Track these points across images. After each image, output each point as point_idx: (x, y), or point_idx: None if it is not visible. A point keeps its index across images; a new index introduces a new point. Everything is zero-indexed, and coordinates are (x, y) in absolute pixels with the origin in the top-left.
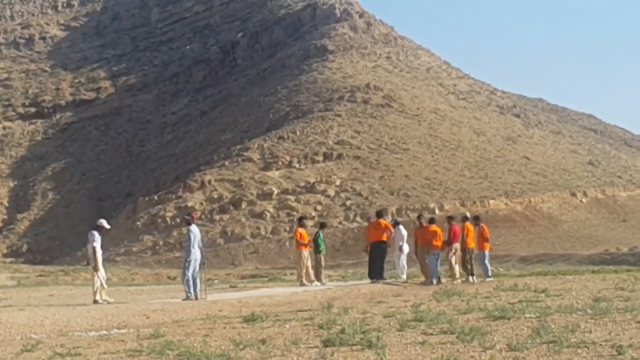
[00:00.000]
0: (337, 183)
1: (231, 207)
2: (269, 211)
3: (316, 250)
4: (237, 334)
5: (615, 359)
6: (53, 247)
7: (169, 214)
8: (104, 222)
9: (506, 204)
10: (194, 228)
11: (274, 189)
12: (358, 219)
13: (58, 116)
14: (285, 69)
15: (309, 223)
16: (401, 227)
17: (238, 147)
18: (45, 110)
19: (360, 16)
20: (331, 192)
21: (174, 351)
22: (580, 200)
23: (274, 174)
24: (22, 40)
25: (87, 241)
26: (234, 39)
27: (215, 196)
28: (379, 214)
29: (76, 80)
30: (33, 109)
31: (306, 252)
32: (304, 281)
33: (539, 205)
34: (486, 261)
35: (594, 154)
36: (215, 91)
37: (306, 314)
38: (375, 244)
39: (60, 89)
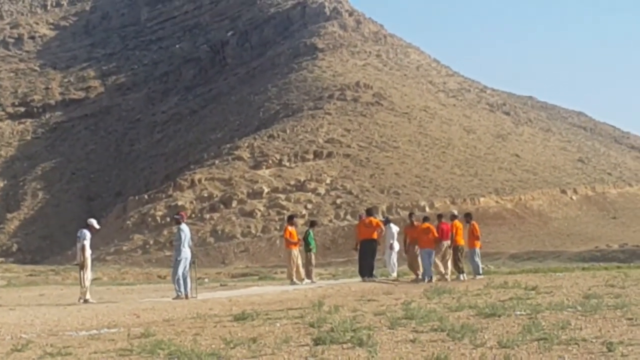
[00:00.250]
0: (328, 181)
1: (221, 206)
2: (259, 210)
3: (307, 248)
4: (227, 333)
5: (605, 356)
6: (43, 246)
7: (159, 213)
8: (94, 222)
9: (496, 202)
10: (184, 227)
11: (264, 187)
12: (348, 217)
13: (48, 115)
14: (275, 68)
15: (300, 221)
16: (392, 225)
17: (228, 145)
18: (35, 109)
19: (350, 14)
20: (321, 191)
21: (165, 350)
22: (571, 198)
23: (264, 172)
24: (12, 40)
25: (77, 239)
26: (223, 37)
27: (206, 195)
28: (369, 212)
29: (66, 80)
30: (22, 109)
31: (296, 251)
32: (295, 279)
33: (529, 203)
34: (476, 258)
35: (583, 151)
36: (205, 90)
37: (297, 313)
38: (366, 241)
39: (49, 89)
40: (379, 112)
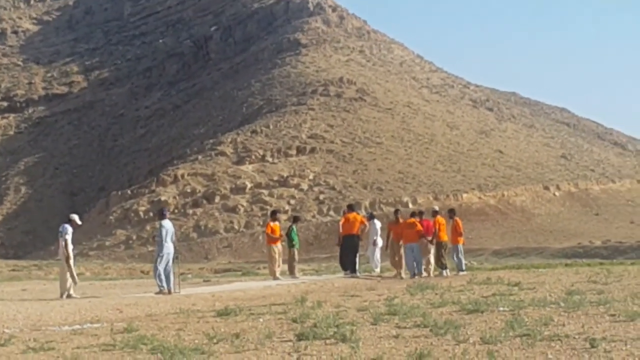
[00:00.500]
0: (311, 177)
1: (204, 201)
2: (242, 205)
3: (290, 244)
4: (210, 328)
5: (588, 352)
6: (26, 241)
7: (142, 208)
8: (76, 218)
9: (479, 198)
10: (165, 222)
11: (247, 183)
12: (331, 212)
13: (31, 110)
14: (259, 63)
15: (282, 217)
16: (376, 220)
17: (211, 141)
18: (18, 104)
19: (333, 10)
20: (304, 186)
21: (148, 345)
22: (554, 194)
23: (247, 168)
24: None
25: (59, 234)
26: (207, 33)
27: (189, 190)
28: (351, 208)
29: (49, 75)
30: (5, 103)
31: (276, 247)
32: (278, 275)
33: (512, 199)
34: (460, 255)
35: (566, 147)
36: (189, 85)
37: (280, 308)
38: (348, 237)
39: (32, 83)
40: (362, 108)
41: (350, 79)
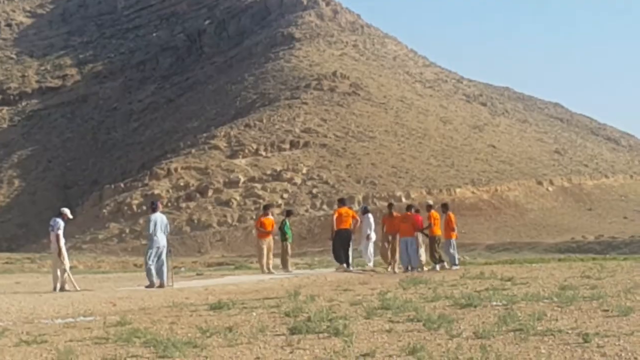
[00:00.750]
0: (304, 171)
1: (198, 195)
2: (235, 199)
3: (283, 238)
4: (203, 322)
5: (581, 347)
6: (19, 234)
7: (135, 202)
8: (67, 211)
9: (473, 192)
10: (155, 216)
11: (240, 176)
12: (325, 207)
13: (24, 103)
14: (252, 57)
15: (276, 211)
16: (370, 215)
17: (205, 134)
18: (11, 97)
19: (327, 4)
20: (298, 180)
21: (141, 339)
22: (547, 189)
23: (241, 161)
24: None
25: (51, 228)
26: (200, 26)
27: (182, 184)
28: (342, 202)
29: (42, 68)
30: None
31: (264, 241)
32: (265, 269)
33: (506, 194)
34: (452, 249)
35: (560, 142)
36: (182, 79)
37: (273, 302)
38: (343, 231)
39: (26, 76)
40: (356, 102)
41: (343, 74)
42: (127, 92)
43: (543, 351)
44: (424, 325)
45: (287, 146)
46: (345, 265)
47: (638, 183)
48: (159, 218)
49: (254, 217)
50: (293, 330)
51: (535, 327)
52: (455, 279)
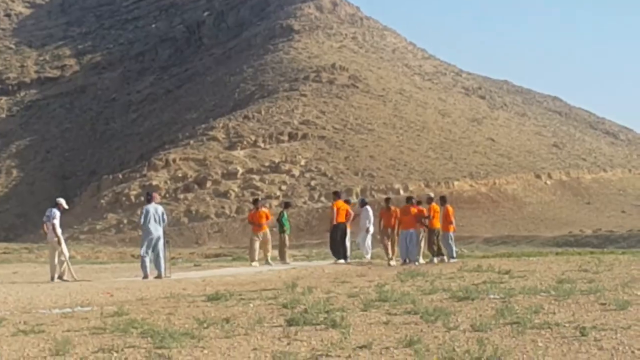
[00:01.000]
0: (302, 163)
1: (196, 186)
2: (233, 190)
3: (280, 229)
4: (201, 313)
5: (578, 340)
6: (17, 224)
7: (134, 193)
8: (62, 202)
9: (471, 185)
10: (148, 206)
11: (238, 168)
12: (323, 199)
13: (23, 94)
14: (251, 49)
15: (274, 203)
16: (368, 207)
17: (203, 126)
18: (10, 87)
19: None
20: (296, 172)
21: (138, 329)
22: (545, 182)
23: (239, 153)
24: None
25: (48, 218)
26: (199, 17)
27: (180, 175)
28: (337, 195)
29: (41, 58)
30: None
31: (256, 235)
32: (253, 260)
33: (504, 187)
34: (450, 242)
35: (558, 136)
36: (181, 70)
37: (270, 294)
38: (341, 224)
39: (25, 67)
40: (355, 95)
41: (342, 66)
42: (125, 83)
43: (540, 344)
44: (421, 317)
45: (286, 138)
46: (343, 259)
47: (636, 177)
48: (153, 209)
49: (252, 209)
50: (290, 322)
51: (532, 320)
52: (453, 272)
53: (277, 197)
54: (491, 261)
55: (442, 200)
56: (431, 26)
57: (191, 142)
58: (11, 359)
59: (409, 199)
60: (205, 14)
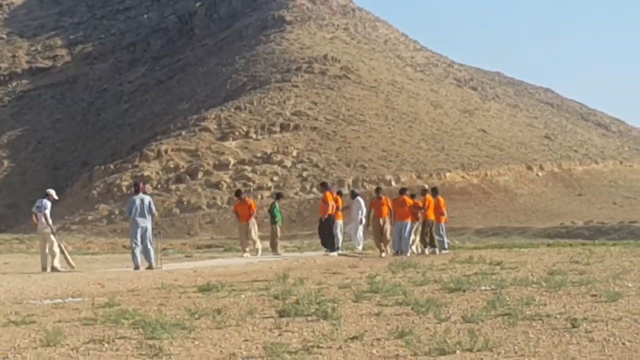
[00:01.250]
0: (294, 154)
1: (187, 177)
2: (225, 181)
3: (272, 220)
4: (192, 304)
5: (569, 332)
6: (8, 215)
7: (125, 183)
8: (53, 192)
9: (462, 177)
10: (134, 197)
11: (230, 159)
12: (314, 190)
13: (14, 84)
14: (243, 39)
15: (265, 194)
16: (360, 198)
17: (195, 116)
18: (1, 77)
19: None
20: (288, 163)
21: (129, 320)
22: (537, 174)
23: (231, 144)
24: None
25: (38, 209)
26: (191, 8)
27: (172, 166)
28: (326, 186)
29: (33, 48)
30: None
31: (242, 225)
32: (244, 250)
33: (495, 178)
34: (442, 233)
35: (550, 127)
36: (173, 60)
37: (262, 285)
38: (330, 217)
39: (16, 57)
40: (346, 86)
41: (334, 57)
42: (117, 74)
43: (531, 336)
44: (412, 309)
45: (278, 129)
46: (336, 251)
47: (627, 169)
48: (138, 200)
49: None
50: (282, 313)
51: (523, 311)
52: (444, 263)
53: (269, 188)
54: (482, 252)
55: (434, 191)
56: (423, 18)
57: (183, 132)
58: (2, 350)
59: (403, 190)
60: (197, 4)
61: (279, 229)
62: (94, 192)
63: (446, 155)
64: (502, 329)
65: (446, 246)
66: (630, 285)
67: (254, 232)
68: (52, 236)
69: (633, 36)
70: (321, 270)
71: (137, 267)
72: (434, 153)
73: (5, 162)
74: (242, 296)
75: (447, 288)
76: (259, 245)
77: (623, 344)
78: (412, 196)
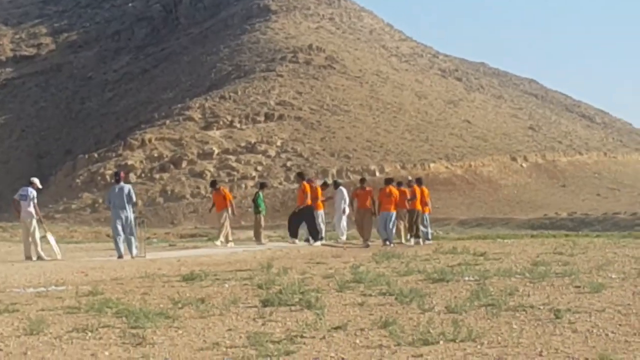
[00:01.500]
0: (278, 143)
1: (171, 166)
2: (209, 170)
3: (256, 210)
4: (175, 293)
5: (553, 323)
6: None
7: (109, 172)
8: (37, 181)
9: (446, 167)
10: (112, 187)
11: (214, 148)
12: (309, 179)
13: None
14: (228, 29)
15: (249, 183)
16: (342, 188)
17: (179, 105)
18: None
19: None
20: (272, 153)
21: (113, 309)
22: (521, 165)
23: (215, 133)
24: None
25: (23, 197)
26: None
27: (156, 155)
28: (301, 176)
29: (17, 36)
30: None
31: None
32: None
33: (479, 169)
34: (426, 224)
35: (534, 118)
36: (157, 49)
37: (245, 274)
38: (309, 206)
39: (0, 45)
40: (331, 76)
41: (319, 47)
42: (101, 62)
43: (515, 326)
44: (396, 299)
45: (262, 119)
46: (319, 241)
47: (612, 160)
48: (118, 189)
49: (228, 189)
50: (265, 303)
51: (507, 302)
52: (428, 254)
53: (253, 178)
54: (466, 243)
55: (418, 181)
56: (408, 8)
57: (167, 121)
58: None
59: (389, 180)
60: None
61: (262, 218)
62: (77, 180)
63: (430, 146)
64: (486, 320)
65: (430, 237)
66: (613, 276)
67: (227, 222)
68: (34, 222)
69: (618, 27)
70: (305, 260)
71: (120, 256)
72: (419, 143)
73: None
74: (226, 285)
75: (430, 278)
76: (222, 236)
77: (606, 334)
78: (400, 184)
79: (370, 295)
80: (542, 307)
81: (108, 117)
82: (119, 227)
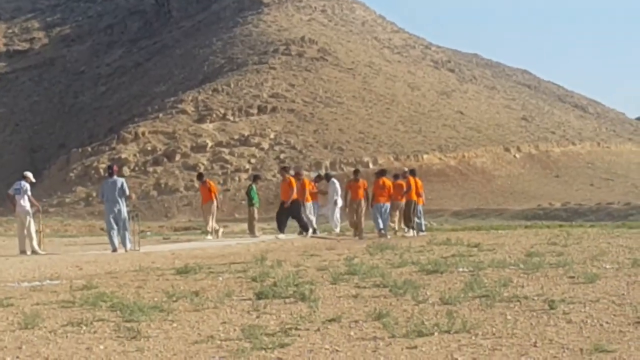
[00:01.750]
0: (271, 136)
1: (165, 159)
2: (202, 163)
3: (249, 203)
4: (170, 286)
5: (547, 313)
6: None
7: (103, 166)
8: (30, 175)
9: (440, 159)
10: (105, 181)
11: (208, 141)
12: (292, 172)
13: None
14: (220, 22)
15: (243, 176)
16: (335, 180)
17: (172, 99)
18: None
19: None
20: (265, 145)
21: (107, 302)
22: (514, 156)
23: (208, 126)
24: None
25: (18, 191)
26: None
27: (149, 148)
28: (285, 170)
29: (10, 31)
30: None
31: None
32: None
33: (473, 160)
34: (419, 215)
35: (527, 109)
36: (150, 43)
37: (239, 267)
38: (296, 199)
39: None
40: (324, 68)
41: (312, 39)
42: (94, 56)
43: (509, 317)
44: (390, 290)
45: (255, 111)
46: (311, 232)
47: (605, 150)
48: (110, 183)
49: (222, 182)
50: (259, 295)
51: (501, 293)
52: (422, 245)
53: (247, 171)
54: (460, 234)
55: (412, 173)
56: None
57: (160, 115)
58: None
59: (382, 172)
60: None
61: (256, 211)
62: (71, 174)
63: (423, 137)
64: (480, 311)
65: (423, 228)
66: (607, 266)
67: (212, 215)
68: (28, 217)
69: (611, 18)
70: (299, 253)
71: (114, 250)
72: (412, 135)
73: None
74: (220, 278)
75: (424, 270)
76: (210, 229)
77: (601, 325)
78: (396, 177)
79: (365, 287)
80: (536, 298)
81: (101, 110)
82: (112, 221)
